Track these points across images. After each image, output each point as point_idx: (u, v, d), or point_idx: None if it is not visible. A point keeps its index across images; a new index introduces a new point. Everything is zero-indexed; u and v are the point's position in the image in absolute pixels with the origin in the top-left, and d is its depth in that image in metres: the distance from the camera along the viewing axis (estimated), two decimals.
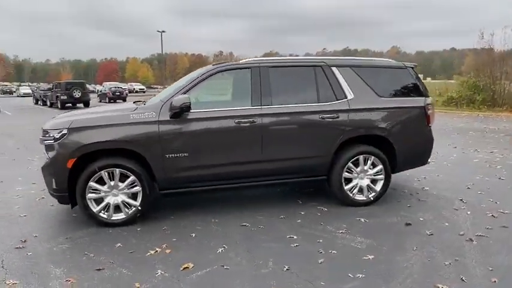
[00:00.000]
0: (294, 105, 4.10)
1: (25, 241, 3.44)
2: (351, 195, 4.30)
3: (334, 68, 4.24)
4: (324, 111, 4.11)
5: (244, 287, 2.70)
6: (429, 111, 4.51)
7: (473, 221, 3.85)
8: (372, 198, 4.35)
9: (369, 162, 4.28)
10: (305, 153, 4.12)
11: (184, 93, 3.82)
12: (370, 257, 3.11)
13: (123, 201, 3.75)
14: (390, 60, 4.82)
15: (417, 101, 4.47)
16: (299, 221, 3.92)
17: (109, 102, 26.21)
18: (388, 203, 4.45)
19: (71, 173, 3.58)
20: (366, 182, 4.34)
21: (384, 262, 3.04)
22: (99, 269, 2.93)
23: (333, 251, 3.22)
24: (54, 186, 3.63)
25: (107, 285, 2.73)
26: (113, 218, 3.74)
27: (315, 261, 3.06)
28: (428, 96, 4.59)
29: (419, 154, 4.63)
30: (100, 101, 28.02)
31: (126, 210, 3.76)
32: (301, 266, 2.97)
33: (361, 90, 4.27)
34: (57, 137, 3.59)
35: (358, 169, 4.28)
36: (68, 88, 21.35)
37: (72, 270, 2.91)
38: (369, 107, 4.26)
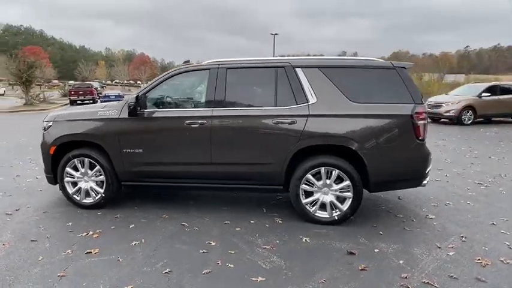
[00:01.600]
0: (246, 108, 3.93)
1: (18, 209, 4.30)
2: (311, 210, 3.85)
3: (298, 69, 3.86)
4: (279, 115, 3.80)
5: (121, 279, 2.80)
6: (419, 122, 3.67)
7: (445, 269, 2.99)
8: (336, 218, 3.80)
9: (333, 175, 3.75)
10: (255, 159, 3.89)
11: (145, 93, 4.11)
12: (260, 278, 2.80)
13: (91, 188, 4.28)
14: (375, 59, 4.07)
15: (402, 108, 3.68)
16: (238, 228, 3.75)
17: None
18: (361, 225, 3.82)
19: (54, 159, 4.29)
20: (329, 198, 3.82)
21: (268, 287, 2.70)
22: (32, 240, 3.47)
23: (229, 264, 3.02)
24: (44, 169, 4.40)
25: (31, 252, 3.22)
26: (83, 201, 4.30)
27: (199, 270, 2.93)
28: (421, 103, 3.73)
29: (406, 173, 3.81)
30: None
31: (94, 195, 4.28)
32: (187, 269, 2.89)
33: (327, 94, 3.78)
34: (46, 127, 4.34)
35: (320, 183, 3.80)
36: None
37: (19, 237, 3.53)
38: (333, 113, 3.73)
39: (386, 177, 3.77)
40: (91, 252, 3.22)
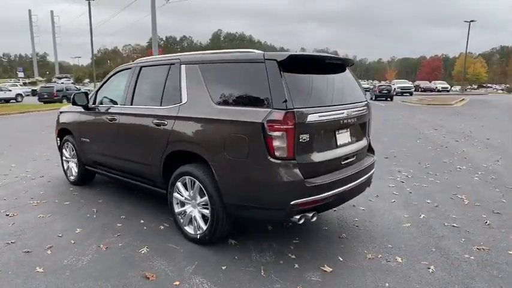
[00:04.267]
0: (140, 106, 3.89)
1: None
2: (181, 222, 3.50)
3: (182, 66, 3.51)
4: (155, 115, 3.60)
5: None
6: (273, 133, 2.70)
7: None
8: (198, 237, 3.31)
9: (195, 187, 3.28)
10: (142, 158, 3.83)
11: (98, 89, 4.70)
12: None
13: (73, 168, 5.25)
14: (251, 50, 3.12)
15: (255, 115, 2.80)
16: (120, 224, 3.82)
17: (375, 99, 26.51)
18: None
19: (59, 140, 5.49)
20: (195, 212, 3.36)
21: None
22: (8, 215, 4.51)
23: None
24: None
25: None
26: (70, 178, 5.33)
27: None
28: (282, 109, 2.71)
29: (259, 200, 2.89)
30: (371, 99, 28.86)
31: (74, 174, 5.23)
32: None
33: (197, 94, 3.30)
34: (57, 116, 5.57)
35: (186, 194, 3.39)
36: None
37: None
38: (195, 116, 3.23)
39: (238, 200, 2.98)
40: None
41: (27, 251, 3.23)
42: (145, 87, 4.02)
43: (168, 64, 3.71)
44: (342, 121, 3.19)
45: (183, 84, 3.43)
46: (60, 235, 3.56)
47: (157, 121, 3.57)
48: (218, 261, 3.05)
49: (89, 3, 31.73)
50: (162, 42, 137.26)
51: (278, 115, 2.71)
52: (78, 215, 4.10)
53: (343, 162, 3.25)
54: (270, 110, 2.75)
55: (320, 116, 2.93)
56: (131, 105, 4.01)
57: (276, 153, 2.74)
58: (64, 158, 5.38)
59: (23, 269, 2.95)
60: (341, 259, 3.09)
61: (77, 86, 33.58)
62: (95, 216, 4.06)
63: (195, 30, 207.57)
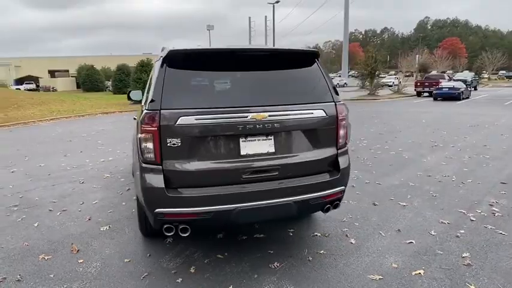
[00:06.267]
0: None
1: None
2: None
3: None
4: None
5: None
6: (143, 136, 2.68)
7: None
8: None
9: None
10: None
11: None
12: None
13: None
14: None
15: (141, 115, 2.80)
16: None
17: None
18: None
19: None
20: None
21: None
22: None
23: None
24: None
25: None
26: None
27: None
28: (149, 110, 2.67)
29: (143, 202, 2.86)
30: None
31: None
32: None
33: None
34: None
35: None
36: None
37: None
38: None
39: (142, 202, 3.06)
40: None
41: None
42: None
43: None
44: (247, 126, 2.72)
45: None
46: None
47: None
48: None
49: (273, 6, 35.13)
50: (360, 36, 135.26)
51: (146, 116, 2.65)
52: None
53: (244, 176, 2.78)
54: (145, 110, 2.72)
55: (197, 119, 2.64)
56: None
57: (145, 157, 2.69)
58: None
59: None
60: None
61: None
62: None
63: (399, 21, 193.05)
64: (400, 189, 5.09)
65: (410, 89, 27.69)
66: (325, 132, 3.02)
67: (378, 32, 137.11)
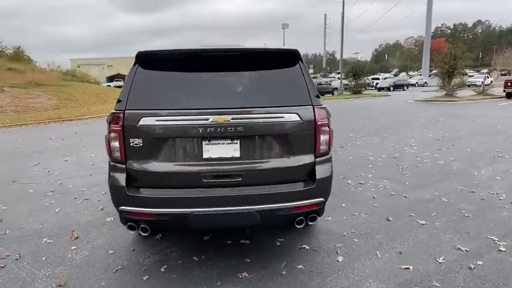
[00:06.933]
0: None
1: None
2: None
3: None
4: None
5: None
6: (111, 135, 2.77)
7: None
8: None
9: None
10: None
11: None
12: None
13: None
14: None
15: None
16: None
17: None
18: None
19: None
20: None
21: None
22: None
23: None
24: None
25: None
26: None
27: None
28: (116, 110, 2.75)
29: None
30: None
31: None
32: None
33: None
34: None
35: None
36: None
37: None
38: None
39: None
40: None
41: None
42: None
43: None
44: (207, 129, 2.65)
45: None
46: None
47: None
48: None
49: (343, 2, 33.58)
50: (448, 31, 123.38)
51: (112, 116, 2.74)
52: None
53: (205, 180, 2.70)
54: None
55: (158, 120, 2.64)
56: None
57: (112, 155, 2.78)
58: None
59: None
60: None
61: None
62: None
63: (497, 12, 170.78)
64: (426, 205, 4.48)
65: (500, 90, 24.30)
66: (300, 138, 2.80)
67: (470, 25, 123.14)
